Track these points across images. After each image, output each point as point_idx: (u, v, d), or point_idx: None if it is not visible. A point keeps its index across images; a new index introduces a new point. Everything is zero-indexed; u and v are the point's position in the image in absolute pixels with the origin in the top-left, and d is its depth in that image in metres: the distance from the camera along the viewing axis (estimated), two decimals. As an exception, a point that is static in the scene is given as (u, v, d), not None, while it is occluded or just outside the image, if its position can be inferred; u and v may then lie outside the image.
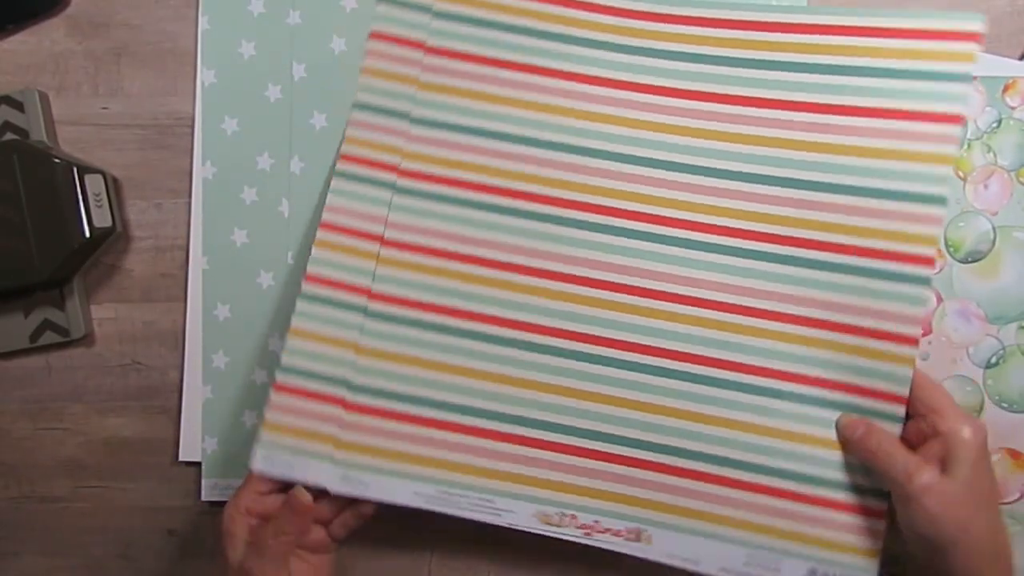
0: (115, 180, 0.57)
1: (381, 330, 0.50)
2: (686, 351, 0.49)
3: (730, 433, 0.48)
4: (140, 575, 0.57)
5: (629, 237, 0.50)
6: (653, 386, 0.49)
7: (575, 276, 0.50)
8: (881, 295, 0.47)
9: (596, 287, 0.50)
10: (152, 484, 0.57)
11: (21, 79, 0.57)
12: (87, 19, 0.57)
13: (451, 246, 0.51)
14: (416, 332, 0.50)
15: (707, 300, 0.49)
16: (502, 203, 0.51)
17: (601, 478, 0.49)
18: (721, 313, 0.49)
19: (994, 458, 0.53)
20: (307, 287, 0.50)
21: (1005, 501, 0.54)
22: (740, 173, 0.50)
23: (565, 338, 0.50)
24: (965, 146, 0.54)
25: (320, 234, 0.51)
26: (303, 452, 0.49)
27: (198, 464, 0.56)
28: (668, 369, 0.49)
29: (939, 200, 0.47)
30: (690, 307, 0.49)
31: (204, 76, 0.56)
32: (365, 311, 0.50)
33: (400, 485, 0.50)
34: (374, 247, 0.51)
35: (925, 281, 0.47)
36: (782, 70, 0.50)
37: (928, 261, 0.47)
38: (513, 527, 0.49)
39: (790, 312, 0.49)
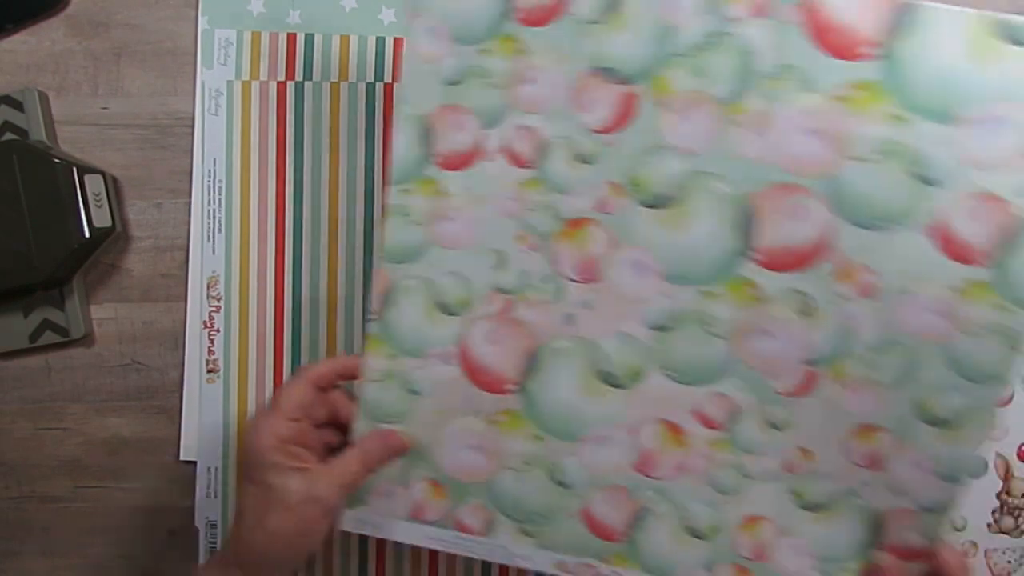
0: (115, 180, 0.57)
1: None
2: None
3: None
4: (140, 575, 0.57)
5: None
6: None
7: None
8: None
9: None
10: (152, 484, 0.57)
11: (21, 79, 0.57)
12: (87, 19, 0.57)
13: None
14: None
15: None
16: None
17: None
18: None
19: (651, 429, 0.47)
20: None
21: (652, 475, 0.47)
22: None
23: None
24: (668, 62, 0.42)
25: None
26: None
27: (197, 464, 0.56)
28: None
29: None
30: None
31: (204, 76, 0.56)
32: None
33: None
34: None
35: None
36: None
37: None
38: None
39: None
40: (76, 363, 0.57)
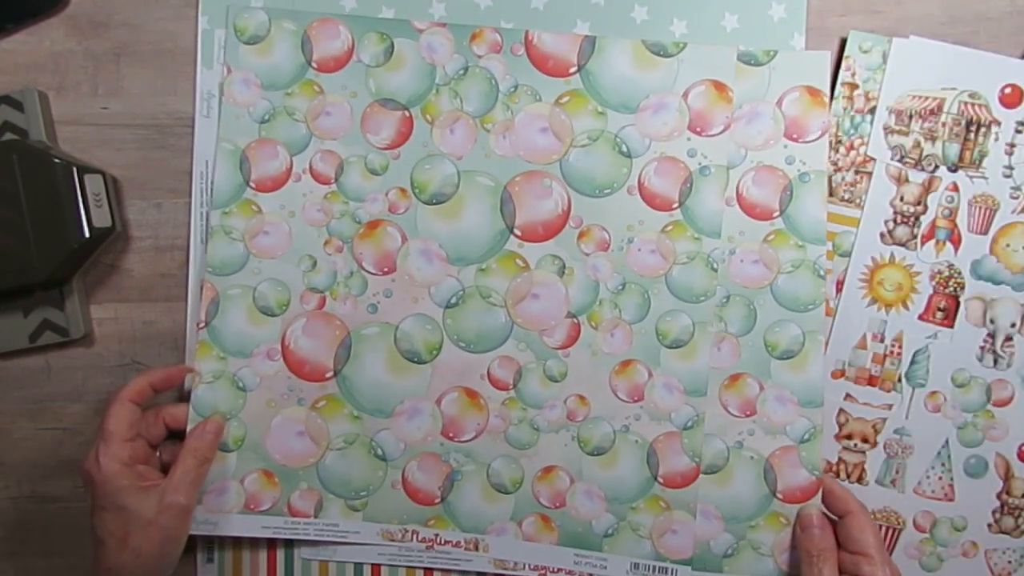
0: (115, 180, 0.57)
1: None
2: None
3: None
4: (140, 575, 0.57)
5: None
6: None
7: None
8: None
9: None
10: (152, 484, 0.57)
11: (21, 79, 0.57)
12: (87, 19, 0.57)
13: None
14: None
15: None
16: None
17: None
18: None
19: (452, 397, 0.55)
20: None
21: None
22: None
23: None
24: (434, 91, 0.55)
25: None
26: None
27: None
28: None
29: None
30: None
31: (204, 76, 0.56)
32: None
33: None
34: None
35: None
36: None
37: None
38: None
39: None
40: (76, 363, 0.57)
